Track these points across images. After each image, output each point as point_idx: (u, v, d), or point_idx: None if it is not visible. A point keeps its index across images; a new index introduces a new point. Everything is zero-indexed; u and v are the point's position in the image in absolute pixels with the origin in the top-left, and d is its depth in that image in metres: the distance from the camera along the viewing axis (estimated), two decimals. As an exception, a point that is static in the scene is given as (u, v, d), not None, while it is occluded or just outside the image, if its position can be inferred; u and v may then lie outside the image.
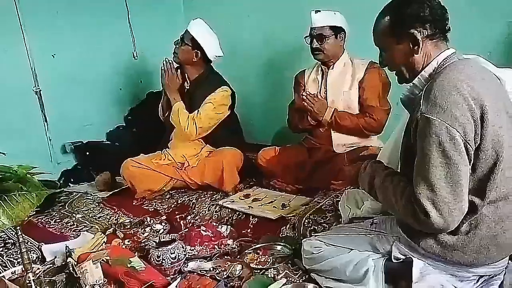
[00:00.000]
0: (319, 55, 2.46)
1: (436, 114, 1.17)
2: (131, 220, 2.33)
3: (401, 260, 1.39)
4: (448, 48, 1.34)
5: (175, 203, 2.57)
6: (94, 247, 1.90)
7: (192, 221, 2.30)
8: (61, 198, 2.77)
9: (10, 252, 2.02)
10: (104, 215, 2.47)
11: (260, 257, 1.82)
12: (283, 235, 2.00)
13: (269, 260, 1.79)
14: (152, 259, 1.75)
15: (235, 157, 2.66)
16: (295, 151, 2.64)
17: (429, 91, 1.21)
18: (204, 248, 1.94)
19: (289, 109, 2.76)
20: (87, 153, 3.24)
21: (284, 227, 2.05)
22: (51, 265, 1.87)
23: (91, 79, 3.35)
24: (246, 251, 1.87)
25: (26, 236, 1.91)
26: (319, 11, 2.40)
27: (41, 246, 2.02)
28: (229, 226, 2.15)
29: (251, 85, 3.55)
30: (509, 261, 1.37)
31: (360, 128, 2.42)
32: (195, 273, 1.71)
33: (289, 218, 2.11)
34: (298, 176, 2.55)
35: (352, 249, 1.51)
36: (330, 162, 2.45)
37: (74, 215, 2.48)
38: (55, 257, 1.91)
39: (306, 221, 1.99)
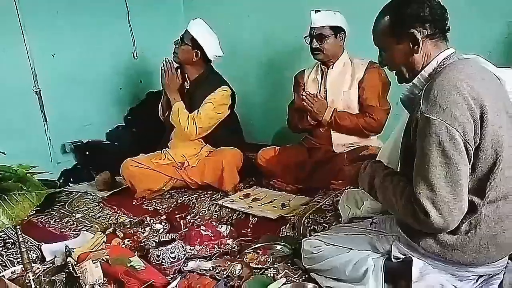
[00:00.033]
0: (319, 55, 2.46)
1: (436, 113, 1.17)
2: (131, 219, 2.33)
3: (401, 259, 1.39)
4: (448, 48, 1.34)
5: (175, 202, 2.57)
6: (94, 247, 1.90)
7: (192, 220, 2.30)
8: (61, 197, 2.77)
9: (10, 252, 2.02)
10: (104, 215, 2.47)
11: (260, 256, 1.82)
12: (283, 235, 2.00)
13: (269, 260, 1.79)
14: (152, 259, 1.75)
15: (235, 157, 2.66)
16: (295, 151, 2.64)
17: (429, 91, 1.21)
18: (204, 247, 1.94)
19: (289, 109, 2.76)
20: (87, 153, 3.24)
21: (284, 226, 2.05)
22: (51, 265, 1.87)
23: (91, 79, 3.35)
24: (246, 251, 1.87)
25: (26, 236, 1.91)
26: (319, 11, 2.40)
27: (41, 245, 2.02)
28: (229, 226, 2.15)
29: (251, 85, 3.55)
30: (509, 261, 1.37)
31: (360, 128, 2.42)
32: (195, 273, 1.71)
33: (289, 217, 2.11)
34: (298, 176, 2.55)
35: (351, 249, 1.51)
36: (330, 162, 2.45)
37: (74, 214, 2.48)
38: (55, 256, 1.91)
39: (306, 220, 1.99)
